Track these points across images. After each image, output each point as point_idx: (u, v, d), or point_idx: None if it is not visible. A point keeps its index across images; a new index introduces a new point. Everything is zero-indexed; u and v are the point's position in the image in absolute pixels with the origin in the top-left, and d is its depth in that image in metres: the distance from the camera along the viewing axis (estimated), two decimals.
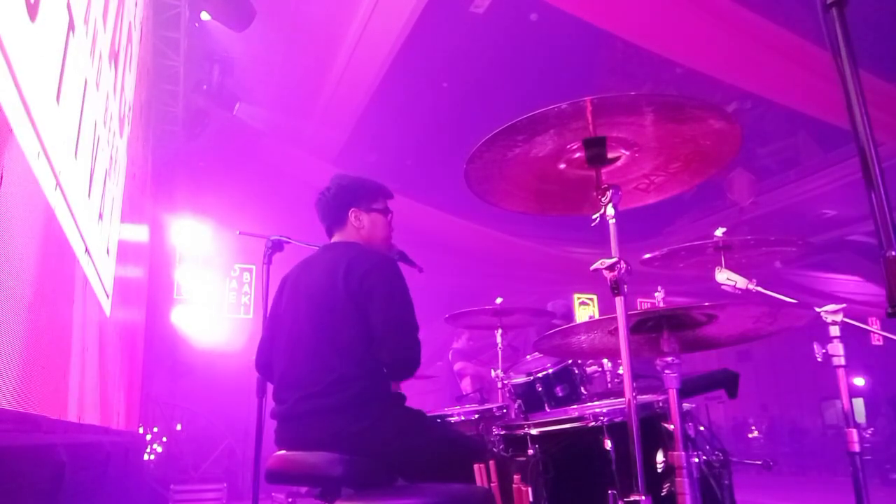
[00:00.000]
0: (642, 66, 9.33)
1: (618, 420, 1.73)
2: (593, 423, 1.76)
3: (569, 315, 4.39)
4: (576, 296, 12.86)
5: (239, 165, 9.06)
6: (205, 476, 7.57)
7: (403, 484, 1.83)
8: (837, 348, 1.91)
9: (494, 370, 3.10)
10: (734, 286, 2.17)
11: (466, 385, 3.93)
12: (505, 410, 2.58)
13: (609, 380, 2.60)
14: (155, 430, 7.96)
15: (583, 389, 2.52)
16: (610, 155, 1.47)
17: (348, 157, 10.20)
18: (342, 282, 1.90)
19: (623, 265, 1.38)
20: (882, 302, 0.76)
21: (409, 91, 9.18)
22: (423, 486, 1.76)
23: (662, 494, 1.67)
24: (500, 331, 3.33)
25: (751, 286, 2.15)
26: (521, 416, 2.42)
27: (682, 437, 1.34)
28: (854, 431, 1.87)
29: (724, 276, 2.20)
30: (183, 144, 7.48)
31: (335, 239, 2.18)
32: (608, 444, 1.70)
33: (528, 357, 2.81)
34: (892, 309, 0.75)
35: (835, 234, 11.23)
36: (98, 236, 3.28)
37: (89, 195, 2.90)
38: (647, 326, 1.49)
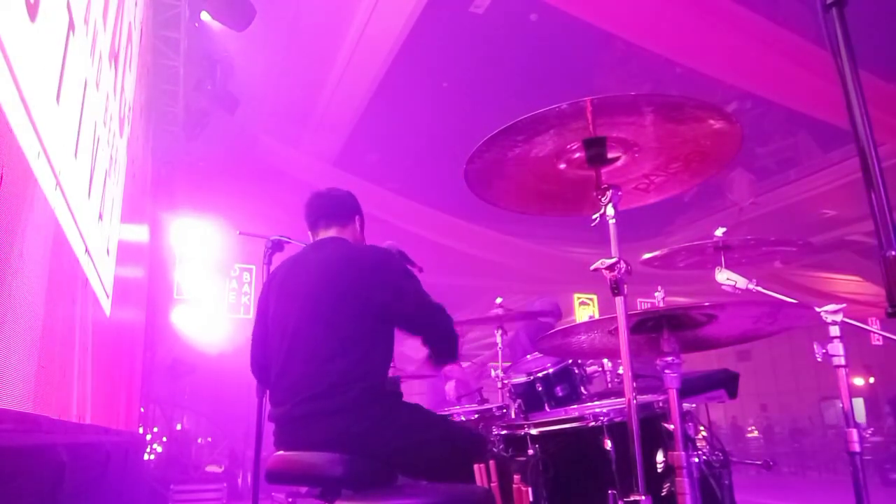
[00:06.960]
0: (642, 66, 9.33)
1: (618, 420, 1.73)
2: (593, 423, 1.76)
3: (556, 311, 4.31)
4: (576, 296, 12.88)
5: (239, 166, 9.07)
6: (205, 476, 7.57)
7: (404, 483, 1.83)
8: (837, 348, 1.91)
9: (494, 370, 3.09)
10: (734, 286, 2.17)
11: (450, 389, 3.80)
12: (505, 410, 2.58)
13: (609, 380, 2.59)
14: (155, 430, 7.97)
15: (583, 389, 2.52)
16: (610, 155, 1.47)
17: (348, 157, 10.21)
18: (342, 277, 1.88)
19: (623, 265, 1.38)
20: (882, 302, 0.76)
21: (409, 91, 9.19)
22: (424, 486, 1.76)
23: (662, 494, 1.67)
24: (499, 331, 3.33)
25: (751, 286, 2.15)
26: (521, 416, 2.42)
27: (682, 437, 1.34)
28: (854, 431, 1.86)
29: (724, 276, 2.20)
30: (183, 144, 7.48)
31: (327, 235, 2.13)
32: (608, 444, 1.70)
33: (528, 357, 2.80)
34: (892, 309, 0.75)
35: (835, 234, 11.25)
36: (98, 236, 3.28)
37: (89, 195, 2.90)
38: (647, 326, 1.49)
